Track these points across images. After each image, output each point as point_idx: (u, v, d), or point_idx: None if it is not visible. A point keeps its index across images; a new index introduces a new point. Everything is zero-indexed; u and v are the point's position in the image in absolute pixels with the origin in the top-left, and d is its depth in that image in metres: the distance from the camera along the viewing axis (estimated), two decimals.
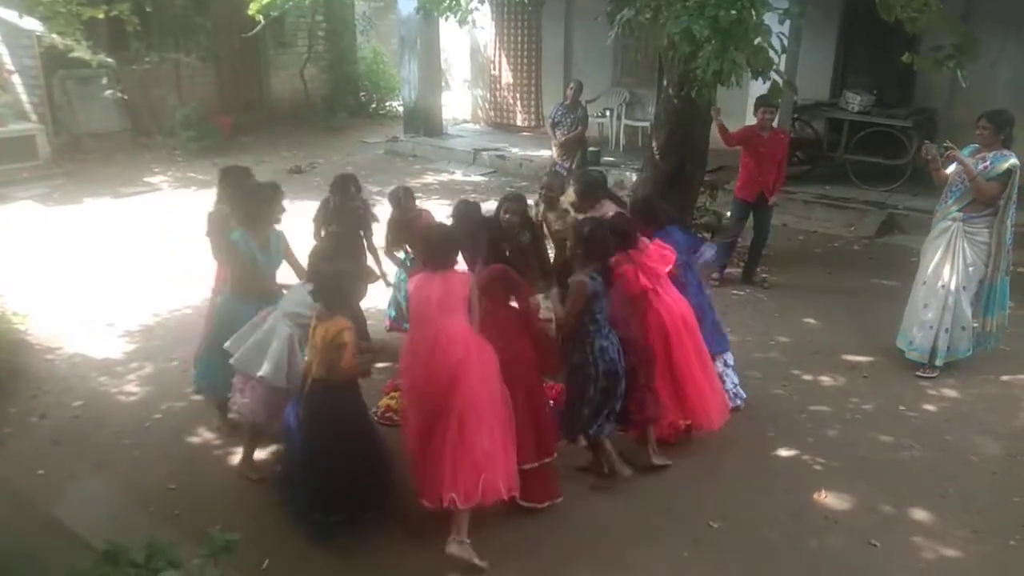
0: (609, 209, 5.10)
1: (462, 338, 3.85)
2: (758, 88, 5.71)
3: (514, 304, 4.30)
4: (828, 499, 4.33)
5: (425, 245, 4.13)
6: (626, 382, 4.28)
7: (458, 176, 11.71)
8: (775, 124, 7.19)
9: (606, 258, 4.22)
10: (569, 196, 5.54)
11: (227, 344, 4.22)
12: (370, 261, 5.57)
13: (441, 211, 5.94)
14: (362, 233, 5.65)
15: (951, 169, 5.46)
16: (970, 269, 5.46)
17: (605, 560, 3.87)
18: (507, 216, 5.21)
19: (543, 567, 3.82)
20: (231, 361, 4.19)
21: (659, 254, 4.63)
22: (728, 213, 7.77)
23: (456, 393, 3.76)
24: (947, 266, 5.49)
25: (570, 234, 4.46)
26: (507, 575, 3.77)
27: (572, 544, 3.97)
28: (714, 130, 7.20)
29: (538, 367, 4.23)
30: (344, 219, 5.48)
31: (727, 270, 7.44)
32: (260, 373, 4.07)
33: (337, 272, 3.94)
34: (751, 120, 9.67)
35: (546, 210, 5.75)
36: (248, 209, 4.51)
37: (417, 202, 5.64)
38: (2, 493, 4.33)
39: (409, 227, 5.39)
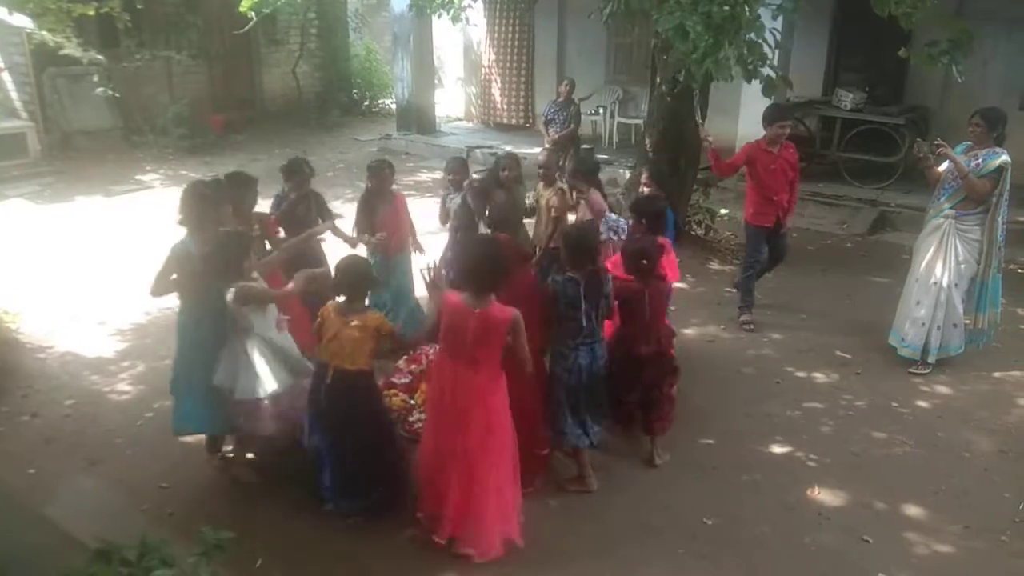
0: (596, 198, 5.36)
1: (478, 392, 3.67)
2: (753, 85, 5.67)
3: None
4: (821, 495, 4.34)
5: (468, 265, 3.70)
6: (652, 393, 4.39)
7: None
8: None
9: (589, 263, 4.14)
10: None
11: (216, 380, 4.11)
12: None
13: (432, 210, 5.93)
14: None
15: (943, 167, 5.48)
16: (962, 266, 5.47)
17: (600, 555, 3.87)
18: (505, 173, 5.74)
19: (537, 562, 3.82)
20: (237, 397, 4.07)
21: (673, 259, 4.82)
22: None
23: (465, 438, 3.67)
24: (939, 263, 5.50)
25: (559, 238, 4.47)
26: (500, 569, 3.77)
27: (567, 539, 3.98)
28: (707, 126, 7.12)
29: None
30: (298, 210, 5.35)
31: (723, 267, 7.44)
32: (271, 390, 4.05)
33: (358, 264, 4.05)
34: (745, 118, 9.72)
35: (544, 187, 5.85)
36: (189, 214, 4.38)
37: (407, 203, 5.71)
38: None
39: (381, 201, 5.60)
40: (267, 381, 4.06)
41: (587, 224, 4.94)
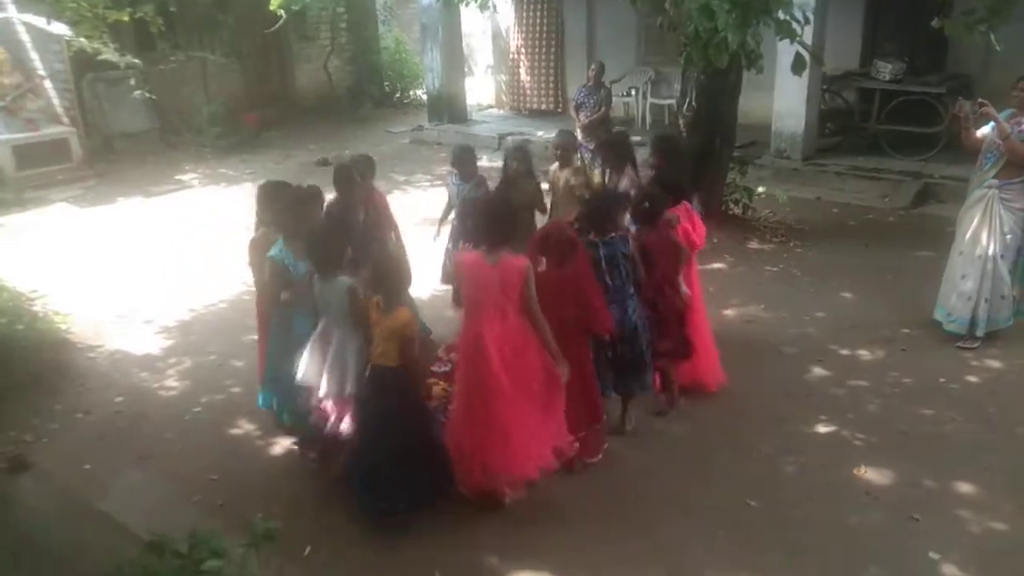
0: (629, 178, 5.46)
1: (523, 335, 3.91)
2: (786, 57, 5.55)
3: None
4: (868, 475, 4.27)
5: (483, 221, 4.02)
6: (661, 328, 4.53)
7: (484, 162, 11.54)
8: None
9: (610, 227, 4.30)
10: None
11: (300, 377, 4.12)
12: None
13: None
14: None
15: (984, 131, 5.31)
16: (1008, 237, 5.31)
17: (637, 537, 3.86)
18: (514, 164, 5.69)
19: (571, 540, 3.84)
20: (324, 394, 4.10)
21: (702, 226, 4.98)
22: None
23: (527, 380, 3.92)
24: (984, 233, 5.35)
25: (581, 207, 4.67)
26: (541, 543, 3.82)
27: (602, 518, 3.99)
28: (743, 103, 6.93)
29: (587, 330, 4.20)
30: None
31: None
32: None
33: (394, 259, 4.14)
34: (781, 92, 9.52)
35: (560, 167, 5.89)
36: (289, 221, 4.34)
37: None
38: (51, 487, 4.44)
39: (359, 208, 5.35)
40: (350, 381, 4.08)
41: (610, 191, 5.11)
